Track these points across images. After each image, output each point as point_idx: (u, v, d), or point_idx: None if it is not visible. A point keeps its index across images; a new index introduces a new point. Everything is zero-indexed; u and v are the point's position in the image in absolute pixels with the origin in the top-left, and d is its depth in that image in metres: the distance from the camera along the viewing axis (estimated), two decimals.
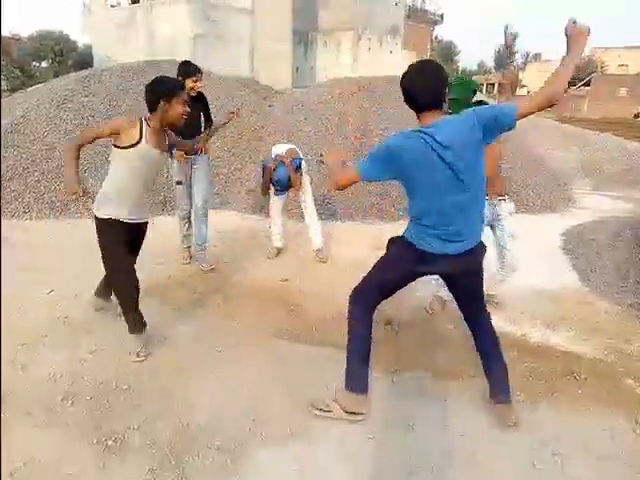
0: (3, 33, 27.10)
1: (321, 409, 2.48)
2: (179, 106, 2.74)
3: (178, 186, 4.49)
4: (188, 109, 2.81)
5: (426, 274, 2.43)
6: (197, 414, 2.47)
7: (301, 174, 4.67)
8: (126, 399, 2.57)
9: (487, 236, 3.50)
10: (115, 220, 2.82)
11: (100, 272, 4.20)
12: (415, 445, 2.32)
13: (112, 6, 20.62)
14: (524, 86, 46.69)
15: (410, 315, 3.61)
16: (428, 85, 2.09)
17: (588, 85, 38.66)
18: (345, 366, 2.47)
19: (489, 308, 3.72)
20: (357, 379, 2.45)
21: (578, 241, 5.53)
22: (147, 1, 18.79)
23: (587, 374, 2.90)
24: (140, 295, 2.94)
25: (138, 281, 2.92)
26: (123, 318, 2.95)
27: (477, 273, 2.41)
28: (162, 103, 2.71)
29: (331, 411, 2.46)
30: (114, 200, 2.83)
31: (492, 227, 3.64)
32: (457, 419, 2.50)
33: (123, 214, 2.84)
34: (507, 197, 3.65)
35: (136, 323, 2.95)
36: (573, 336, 3.41)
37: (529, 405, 2.62)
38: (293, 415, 2.49)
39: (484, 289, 3.83)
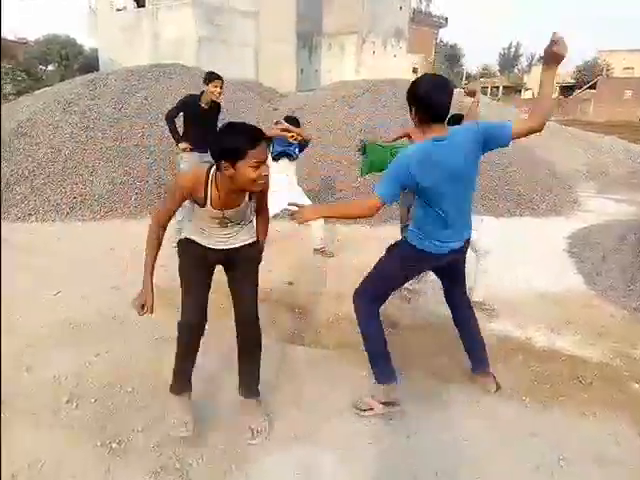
0: (10, 37, 27.36)
1: (364, 409, 2.53)
2: (250, 170, 1.95)
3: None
4: (265, 172, 2.00)
5: (425, 270, 2.64)
6: (201, 417, 2.47)
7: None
8: (131, 401, 2.58)
9: None
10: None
11: (105, 274, 4.23)
12: (419, 449, 2.31)
13: (118, 10, 20.76)
14: (529, 89, 46.59)
15: (415, 318, 3.60)
16: (445, 100, 2.15)
17: (594, 88, 38.54)
18: (370, 364, 2.56)
19: (485, 317, 3.77)
20: (384, 372, 2.54)
21: (583, 244, 5.51)
22: (152, 5, 18.90)
23: (593, 378, 2.89)
24: None
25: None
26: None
27: (463, 261, 2.65)
28: (224, 164, 1.97)
29: (372, 409, 2.52)
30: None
31: None
32: (461, 424, 2.49)
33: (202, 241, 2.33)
34: None
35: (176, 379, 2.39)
36: (579, 340, 3.39)
37: (535, 409, 2.61)
38: (297, 419, 2.48)
39: (474, 297, 3.91)
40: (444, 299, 2.79)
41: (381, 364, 2.53)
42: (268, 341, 3.25)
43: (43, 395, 2.59)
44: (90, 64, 24.20)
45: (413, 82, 2.23)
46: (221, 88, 4.82)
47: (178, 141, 4.92)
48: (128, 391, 2.66)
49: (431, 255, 2.37)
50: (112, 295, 3.87)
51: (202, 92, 4.88)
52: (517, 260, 4.62)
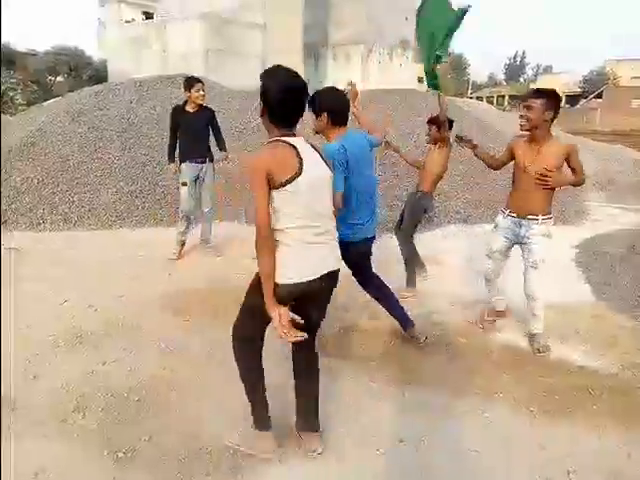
0: (19, 49, 27.77)
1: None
2: None
3: (183, 187, 4.93)
4: None
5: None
6: (208, 428, 2.46)
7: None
8: (138, 411, 2.57)
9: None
10: None
11: (112, 283, 4.24)
12: (427, 461, 2.29)
13: (127, 22, 21.04)
14: None
15: (421, 328, 3.58)
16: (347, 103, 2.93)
17: (600, 97, 38.46)
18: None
19: (493, 327, 3.76)
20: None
21: (592, 254, 5.47)
22: (161, 17, 19.15)
23: (602, 390, 2.85)
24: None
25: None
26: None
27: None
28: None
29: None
30: None
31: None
32: (470, 435, 2.47)
33: None
34: (541, 217, 3.30)
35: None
36: (588, 351, 3.36)
37: (544, 421, 2.58)
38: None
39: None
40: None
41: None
42: (277, 352, 3.24)
43: (50, 404, 2.59)
44: (99, 75, 24.49)
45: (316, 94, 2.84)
46: (204, 91, 4.87)
47: (169, 158, 5.06)
48: (135, 400, 2.65)
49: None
50: (119, 304, 3.88)
51: (185, 101, 4.91)
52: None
